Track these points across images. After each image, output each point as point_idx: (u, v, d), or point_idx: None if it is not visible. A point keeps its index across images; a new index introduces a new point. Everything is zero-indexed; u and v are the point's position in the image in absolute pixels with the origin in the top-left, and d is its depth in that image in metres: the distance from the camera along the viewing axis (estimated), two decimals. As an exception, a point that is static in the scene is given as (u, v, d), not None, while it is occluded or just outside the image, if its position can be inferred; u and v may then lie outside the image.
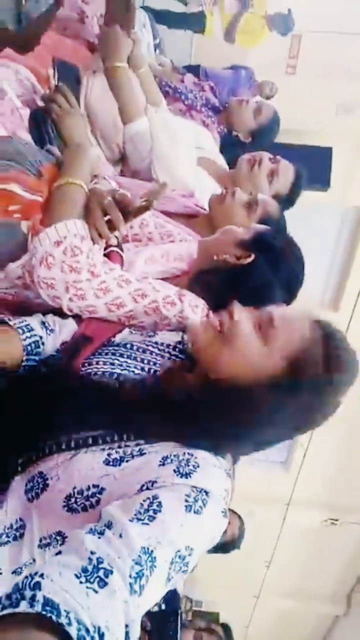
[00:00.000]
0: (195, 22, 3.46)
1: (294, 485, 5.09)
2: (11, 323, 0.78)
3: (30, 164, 0.94)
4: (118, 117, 1.45)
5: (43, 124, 1.20)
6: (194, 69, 2.53)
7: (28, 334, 0.78)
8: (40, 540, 0.61)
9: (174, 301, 0.88)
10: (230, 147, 1.92)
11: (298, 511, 5.17)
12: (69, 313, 0.85)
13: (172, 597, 2.08)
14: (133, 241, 1.18)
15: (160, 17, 3.14)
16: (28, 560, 0.61)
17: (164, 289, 0.89)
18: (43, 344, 0.79)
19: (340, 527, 5.16)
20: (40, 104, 1.27)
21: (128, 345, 0.79)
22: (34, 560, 0.61)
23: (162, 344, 0.81)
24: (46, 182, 0.93)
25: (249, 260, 0.97)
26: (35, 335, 0.78)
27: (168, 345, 0.81)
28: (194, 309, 0.88)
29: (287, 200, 1.62)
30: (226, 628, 2.63)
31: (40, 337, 0.79)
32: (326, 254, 4.52)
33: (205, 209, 1.40)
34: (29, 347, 0.77)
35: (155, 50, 2.39)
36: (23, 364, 0.76)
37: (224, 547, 2.13)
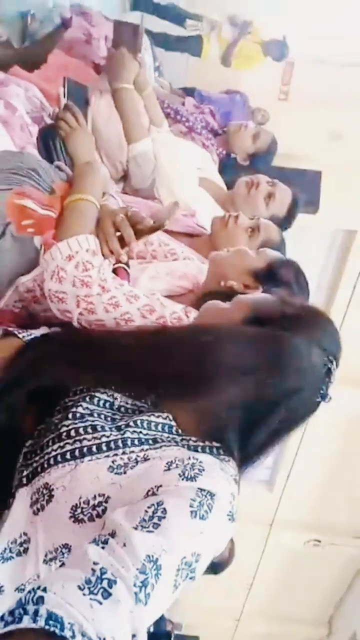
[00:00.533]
0: (192, 45, 3.54)
1: (277, 505, 5.08)
2: (20, 336, 0.78)
3: (43, 181, 0.95)
4: (122, 136, 1.48)
5: (51, 141, 1.21)
6: (189, 92, 2.59)
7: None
8: (46, 555, 0.60)
9: (180, 317, 0.89)
10: (229, 168, 1.96)
11: (281, 532, 5.14)
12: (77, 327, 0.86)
13: (160, 620, 2.03)
14: (137, 258, 1.19)
15: (158, 39, 3.21)
16: (32, 577, 0.60)
17: (171, 305, 0.90)
18: None
19: (323, 548, 5.14)
20: (49, 121, 1.29)
21: None
22: (38, 576, 0.60)
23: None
24: (58, 198, 0.94)
25: (257, 292, 0.98)
26: None
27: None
28: None
29: (283, 222, 1.66)
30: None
31: None
32: (313, 276, 4.60)
33: (205, 229, 1.42)
34: None
35: (155, 72, 2.45)
36: None
37: (214, 567, 2.10)
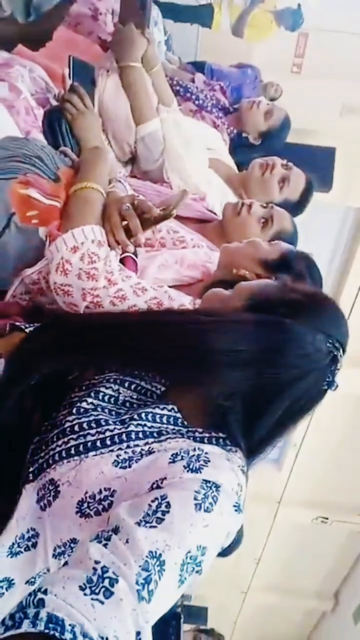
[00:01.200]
0: (203, 15, 3.41)
1: (285, 484, 5.14)
2: (27, 330, 0.77)
3: (48, 168, 0.93)
4: (130, 117, 1.44)
5: (57, 124, 1.18)
6: (199, 66, 2.51)
7: None
8: (55, 550, 0.60)
9: (188, 310, 0.87)
10: (240, 148, 1.90)
11: (289, 509, 5.22)
12: None
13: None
14: (145, 246, 1.17)
15: (167, 10, 3.09)
16: (42, 570, 0.61)
17: (179, 297, 0.89)
18: None
19: (330, 525, 5.21)
20: (54, 103, 1.26)
21: None
22: (48, 570, 0.60)
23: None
24: (64, 186, 0.92)
25: None
26: None
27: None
28: None
29: (296, 207, 1.62)
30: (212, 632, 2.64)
31: None
32: (325, 254, 4.53)
33: (216, 214, 1.39)
34: None
35: (164, 46, 2.37)
36: None
37: (222, 551, 2.11)
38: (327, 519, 5.24)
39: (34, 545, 0.61)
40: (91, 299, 0.81)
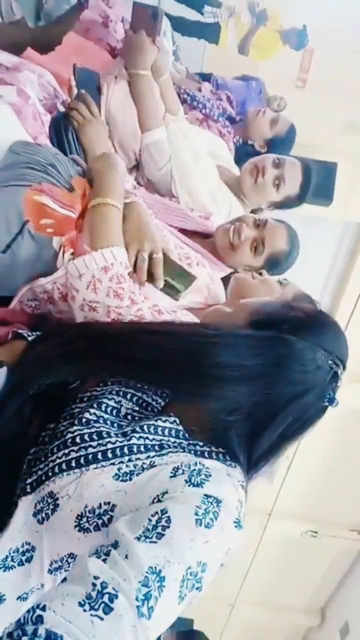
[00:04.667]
0: (210, 32, 3.45)
1: (276, 496, 5.11)
2: (30, 339, 0.77)
3: (62, 177, 0.92)
4: (137, 124, 1.44)
5: (64, 131, 1.18)
6: (205, 77, 2.52)
7: None
8: (51, 564, 0.59)
9: (192, 323, 0.90)
10: (246, 157, 1.90)
11: (279, 522, 5.19)
12: None
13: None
14: None
15: (175, 24, 3.12)
16: (36, 586, 0.59)
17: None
18: None
19: (319, 539, 5.19)
20: (62, 109, 1.25)
21: None
22: (42, 585, 0.59)
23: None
24: (78, 196, 0.91)
25: None
26: None
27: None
28: None
29: (299, 198, 1.59)
30: (201, 636, 2.61)
31: None
32: (323, 268, 4.55)
33: None
34: None
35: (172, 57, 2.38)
36: None
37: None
38: (316, 533, 5.22)
39: (29, 559, 0.59)
40: (114, 316, 0.85)
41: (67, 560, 0.58)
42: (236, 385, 0.65)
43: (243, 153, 1.92)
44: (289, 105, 3.25)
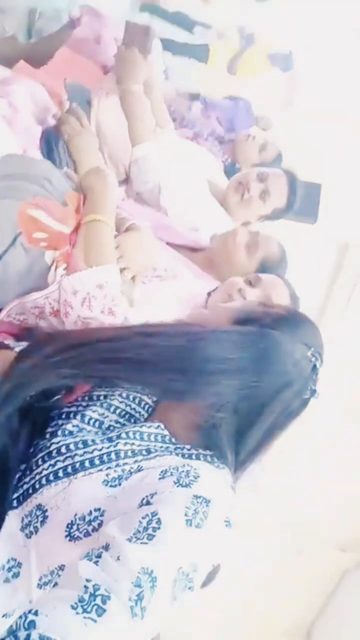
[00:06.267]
0: (199, 52, 3.53)
1: (260, 513, 5.07)
2: (16, 349, 0.76)
3: (57, 191, 0.93)
4: (127, 138, 1.45)
5: (55, 144, 1.19)
6: (193, 97, 2.57)
7: None
8: (40, 579, 0.57)
9: (178, 322, 0.90)
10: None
11: (261, 538, 5.14)
12: None
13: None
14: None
15: (165, 43, 3.19)
16: (24, 602, 0.57)
17: None
18: None
19: (304, 556, 5.14)
20: (53, 122, 1.26)
21: None
22: (31, 601, 0.57)
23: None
24: (72, 211, 0.92)
25: None
26: None
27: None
28: None
29: (287, 209, 1.61)
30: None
31: None
32: (308, 286, 4.60)
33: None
34: None
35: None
36: None
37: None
38: (302, 551, 5.18)
39: (15, 575, 0.58)
40: None
41: (57, 574, 0.57)
42: (224, 378, 0.66)
43: (230, 174, 1.95)
44: (275, 127, 3.33)
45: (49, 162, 1.06)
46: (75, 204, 0.96)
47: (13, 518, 0.61)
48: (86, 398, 0.74)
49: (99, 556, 0.49)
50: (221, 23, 3.47)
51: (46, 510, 0.59)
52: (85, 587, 0.45)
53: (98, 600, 0.44)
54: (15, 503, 0.62)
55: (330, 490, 4.68)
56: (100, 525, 0.57)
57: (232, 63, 3.46)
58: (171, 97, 2.10)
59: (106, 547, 0.50)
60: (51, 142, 1.19)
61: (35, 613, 0.41)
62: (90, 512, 0.58)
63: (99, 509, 0.58)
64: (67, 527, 0.57)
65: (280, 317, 0.74)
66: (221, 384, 0.66)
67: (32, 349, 0.72)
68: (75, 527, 0.57)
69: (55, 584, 0.56)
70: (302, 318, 0.77)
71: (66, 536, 0.57)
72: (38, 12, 1.90)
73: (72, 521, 0.57)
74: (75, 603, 0.43)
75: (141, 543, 0.50)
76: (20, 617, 0.41)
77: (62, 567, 0.56)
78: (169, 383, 0.67)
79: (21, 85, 1.19)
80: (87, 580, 0.45)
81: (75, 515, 0.58)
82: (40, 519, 0.59)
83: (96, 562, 0.48)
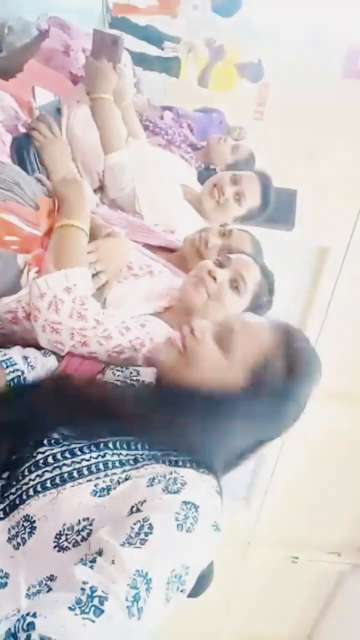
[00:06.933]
0: (170, 66, 3.59)
1: (254, 523, 5.03)
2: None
3: (27, 195, 0.93)
4: (99, 146, 1.46)
5: (26, 151, 1.19)
6: (166, 109, 2.61)
7: (11, 369, 0.76)
8: (29, 589, 0.57)
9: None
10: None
11: (259, 549, 5.09)
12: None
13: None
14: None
15: (137, 59, 3.24)
16: (11, 612, 0.56)
17: (158, 337, 0.90)
18: (24, 379, 0.77)
19: (300, 565, 5.11)
20: (23, 130, 1.26)
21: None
22: (18, 611, 0.56)
23: (143, 383, 0.82)
24: (44, 215, 0.92)
25: None
26: (18, 370, 0.77)
27: (150, 384, 0.82)
28: None
29: (262, 209, 1.62)
30: None
31: (22, 372, 0.77)
32: (289, 291, 4.66)
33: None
34: (10, 383, 0.75)
35: (133, 88, 2.45)
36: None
37: (193, 588, 2.01)
38: (297, 558, 5.14)
39: (3, 585, 0.58)
40: (79, 338, 0.83)
41: (46, 584, 0.57)
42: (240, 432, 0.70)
43: (205, 178, 1.97)
44: (249, 137, 3.38)
45: (17, 167, 1.06)
46: (47, 208, 0.95)
47: (0, 530, 0.60)
48: None
49: (93, 561, 0.49)
50: (189, 36, 3.53)
51: (34, 522, 0.59)
52: (82, 589, 0.46)
53: (95, 602, 0.45)
54: (1, 514, 0.61)
55: (321, 498, 4.68)
56: (89, 534, 0.57)
57: (202, 76, 3.53)
58: (143, 106, 2.12)
59: (100, 553, 0.51)
60: (22, 150, 1.19)
61: (34, 615, 0.42)
62: (79, 522, 0.58)
63: (87, 518, 0.58)
64: (56, 537, 0.58)
65: (302, 375, 0.72)
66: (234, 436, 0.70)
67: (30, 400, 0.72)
68: (64, 537, 0.58)
69: (45, 594, 0.56)
70: (318, 360, 0.75)
71: (55, 547, 0.57)
72: (7, 26, 1.92)
73: (60, 531, 0.58)
74: (73, 605, 0.44)
75: (134, 547, 0.51)
76: (19, 619, 0.42)
77: (51, 578, 0.56)
78: (186, 445, 0.68)
79: (-11, 95, 1.19)
80: (84, 583, 0.46)
81: (64, 525, 0.58)
82: (28, 530, 0.59)
83: (91, 567, 0.49)
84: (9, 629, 0.42)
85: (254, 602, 5.30)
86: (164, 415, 0.67)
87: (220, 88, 3.66)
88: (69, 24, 1.75)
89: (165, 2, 3.13)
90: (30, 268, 0.89)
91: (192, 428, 0.67)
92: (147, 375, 0.84)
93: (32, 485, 0.61)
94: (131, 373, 0.84)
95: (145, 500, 0.58)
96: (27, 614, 0.43)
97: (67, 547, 0.57)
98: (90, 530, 0.58)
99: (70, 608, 0.44)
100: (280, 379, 0.70)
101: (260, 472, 4.89)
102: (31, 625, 0.41)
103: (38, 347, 0.86)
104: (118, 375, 0.83)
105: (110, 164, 1.47)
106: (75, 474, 0.62)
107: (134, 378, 0.83)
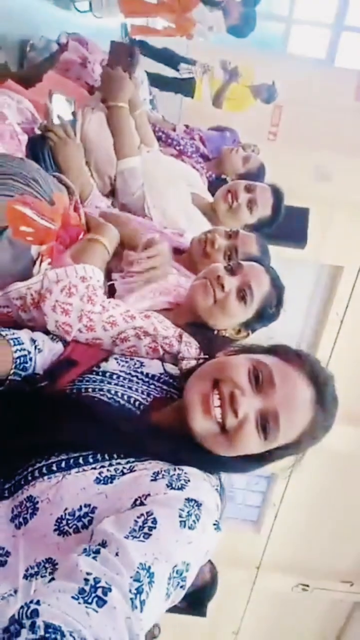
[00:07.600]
0: (185, 87, 3.68)
1: (264, 547, 4.91)
2: (3, 334, 0.78)
3: (44, 191, 0.97)
4: (113, 151, 1.50)
5: (40, 151, 1.22)
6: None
7: (18, 347, 0.78)
8: (27, 570, 0.58)
9: (172, 343, 0.93)
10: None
11: (268, 575, 4.95)
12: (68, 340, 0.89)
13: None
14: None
15: (153, 79, 3.34)
16: (8, 591, 0.57)
17: (164, 330, 0.93)
18: (31, 359, 0.79)
19: (311, 593, 4.94)
20: (38, 132, 1.31)
21: (115, 375, 0.81)
22: (15, 591, 0.57)
23: (147, 375, 0.84)
24: (59, 211, 0.96)
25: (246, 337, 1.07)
26: (25, 349, 0.79)
27: (153, 377, 0.84)
28: (189, 349, 0.93)
29: (272, 220, 1.63)
30: None
31: (29, 352, 0.79)
32: (301, 309, 4.64)
33: None
34: (17, 361, 0.76)
35: (149, 105, 2.53)
36: (9, 377, 0.75)
37: (197, 597, 1.97)
38: (307, 586, 4.98)
39: (3, 564, 0.59)
40: (86, 321, 0.87)
41: (44, 566, 0.58)
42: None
43: (216, 187, 2.00)
44: (262, 156, 3.43)
45: (37, 164, 1.10)
46: (62, 205, 1.00)
47: (3, 508, 0.62)
48: (74, 390, 0.75)
49: (97, 552, 0.50)
50: (204, 57, 3.64)
51: (37, 503, 0.60)
52: (86, 579, 0.46)
53: (99, 592, 0.45)
54: (6, 493, 0.63)
55: (332, 520, 4.55)
56: (90, 522, 0.58)
57: (217, 97, 3.61)
58: (157, 118, 2.18)
59: (103, 544, 0.51)
60: (37, 150, 1.23)
61: (38, 602, 0.42)
62: (81, 508, 0.59)
63: (89, 505, 0.59)
64: (57, 521, 0.59)
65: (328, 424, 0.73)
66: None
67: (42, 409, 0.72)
68: (64, 522, 0.58)
69: (42, 576, 0.57)
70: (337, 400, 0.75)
71: (55, 530, 0.58)
72: (29, 43, 2.01)
73: (62, 516, 0.59)
74: (76, 594, 0.44)
75: (138, 541, 0.52)
76: (22, 607, 0.42)
77: (49, 560, 0.57)
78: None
79: (8, 98, 1.24)
80: (88, 574, 0.46)
81: (66, 510, 0.59)
82: (30, 510, 0.60)
83: (94, 558, 0.49)
84: (13, 615, 0.42)
85: (263, 629, 5.12)
86: (157, 446, 0.68)
87: (234, 108, 3.74)
88: (86, 40, 1.82)
89: (181, 23, 3.23)
90: (44, 259, 0.93)
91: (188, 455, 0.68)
92: (152, 368, 0.86)
93: (38, 467, 0.63)
94: (135, 364, 0.86)
95: (149, 494, 0.58)
96: (31, 602, 0.43)
97: (67, 531, 0.58)
98: (92, 517, 0.58)
99: (74, 597, 0.44)
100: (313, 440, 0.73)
101: (271, 496, 4.79)
102: (35, 613, 0.41)
103: (46, 334, 0.88)
104: (122, 365, 0.84)
105: (122, 168, 1.51)
106: (81, 460, 0.63)
107: (138, 370, 0.84)
